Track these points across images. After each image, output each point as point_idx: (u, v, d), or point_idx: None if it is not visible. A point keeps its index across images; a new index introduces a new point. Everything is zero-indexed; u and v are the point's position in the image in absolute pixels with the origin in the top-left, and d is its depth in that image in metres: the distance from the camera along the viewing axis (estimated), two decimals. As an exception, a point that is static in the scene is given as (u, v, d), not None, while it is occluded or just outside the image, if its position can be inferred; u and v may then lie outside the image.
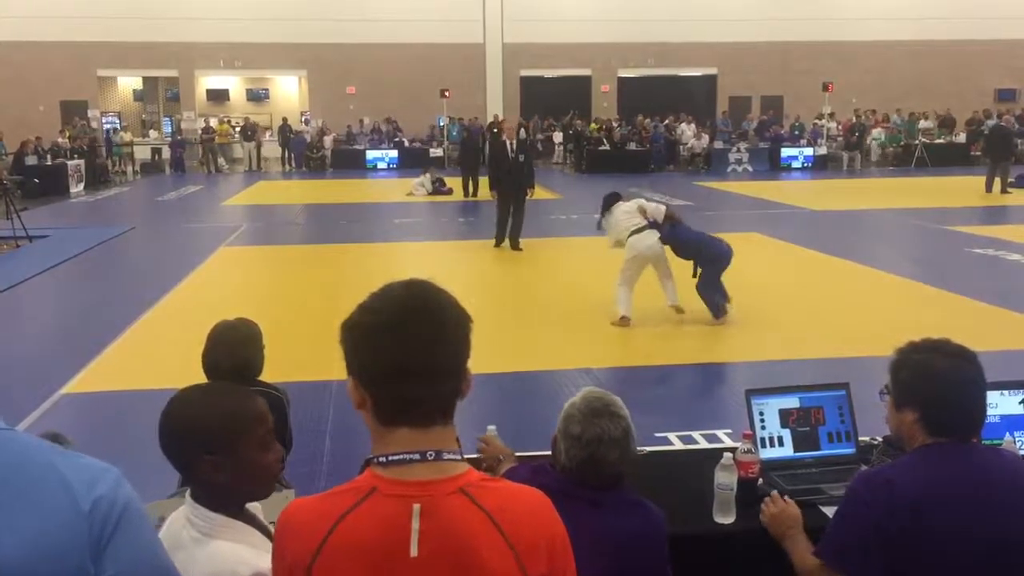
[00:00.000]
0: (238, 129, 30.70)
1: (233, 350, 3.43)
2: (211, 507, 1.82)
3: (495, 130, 29.28)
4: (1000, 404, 3.00)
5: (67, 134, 26.19)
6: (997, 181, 19.88)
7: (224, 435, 1.82)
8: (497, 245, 13.28)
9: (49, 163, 23.00)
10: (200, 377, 3.53)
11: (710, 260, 8.53)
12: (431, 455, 1.48)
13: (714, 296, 8.57)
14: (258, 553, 1.81)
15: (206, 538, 1.79)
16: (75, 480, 1.28)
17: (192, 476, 1.84)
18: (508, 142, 13.10)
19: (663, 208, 8.85)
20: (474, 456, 3.09)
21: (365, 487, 1.49)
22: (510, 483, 1.59)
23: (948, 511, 2.17)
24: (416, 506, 1.45)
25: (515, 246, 13.06)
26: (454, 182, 21.55)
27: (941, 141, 29.16)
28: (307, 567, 1.47)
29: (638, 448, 3.07)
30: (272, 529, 2.10)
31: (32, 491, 1.25)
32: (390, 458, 1.49)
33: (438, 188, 21.47)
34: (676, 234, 8.70)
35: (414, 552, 1.44)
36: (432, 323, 1.49)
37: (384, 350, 1.49)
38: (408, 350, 1.47)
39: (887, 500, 2.20)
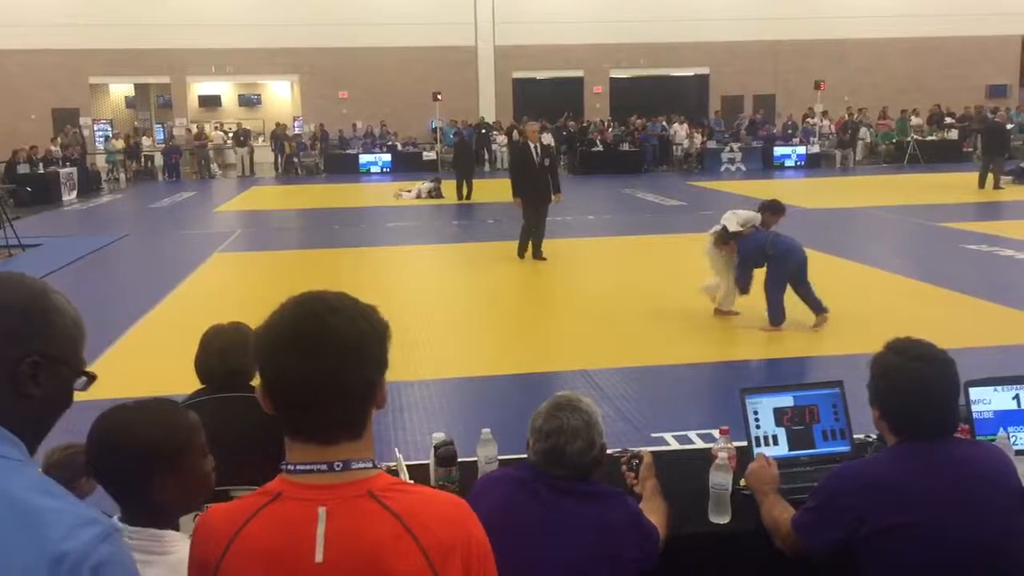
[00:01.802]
0: (231, 134, 30.68)
1: (225, 354, 3.40)
2: (155, 525, 1.76)
3: (482, 131, 29.49)
4: (994, 400, 3.00)
5: (59, 142, 26.14)
6: (990, 177, 19.92)
7: (173, 450, 1.77)
8: (521, 255, 12.40)
9: (41, 171, 22.96)
10: (195, 383, 3.52)
11: (775, 258, 8.13)
12: (338, 465, 1.45)
13: (778, 297, 8.16)
14: None
15: (160, 556, 1.72)
16: (50, 528, 1.22)
17: (138, 497, 1.77)
18: (532, 146, 12.35)
19: (747, 222, 8.48)
20: (516, 457, 3.05)
21: (272, 491, 1.47)
22: (424, 488, 1.57)
23: (914, 508, 2.23)
24: (321, 510, 1.42)
25: (538, 254, 12.33)
26: (447, 185, 21.53)
27: (933, 138, 29.23)
28: (212, 571, 1.45)
29: (634, 449, 3.09)
30: None
31: None
32: (297, 467, 1.46)
33: (426, 192, 21.42)
34: (740, 248, 8.35)
35: (319, 557, 1.41)
36: (321, 347, 1.43)
37: (276, 371, 1.46)
38: (298, 374, 1.43)
39: (857, 495, 2.31)
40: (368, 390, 1.48)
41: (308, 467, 1.46)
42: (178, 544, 1.75)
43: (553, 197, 12.37)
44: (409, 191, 21.47)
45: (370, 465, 1.48)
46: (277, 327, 1.48)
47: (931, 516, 2.22)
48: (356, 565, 1.41)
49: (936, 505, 2.23)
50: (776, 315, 8.20)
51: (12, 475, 1.27)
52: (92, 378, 1.46)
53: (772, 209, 8.61)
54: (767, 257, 8.18)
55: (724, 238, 8.50)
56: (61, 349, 1.40)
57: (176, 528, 1.81)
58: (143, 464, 1.74)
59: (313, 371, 1.43)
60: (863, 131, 29.29)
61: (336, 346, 1.44)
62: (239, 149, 29.93)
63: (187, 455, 1.79)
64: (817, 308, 8.22)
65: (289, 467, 1.48)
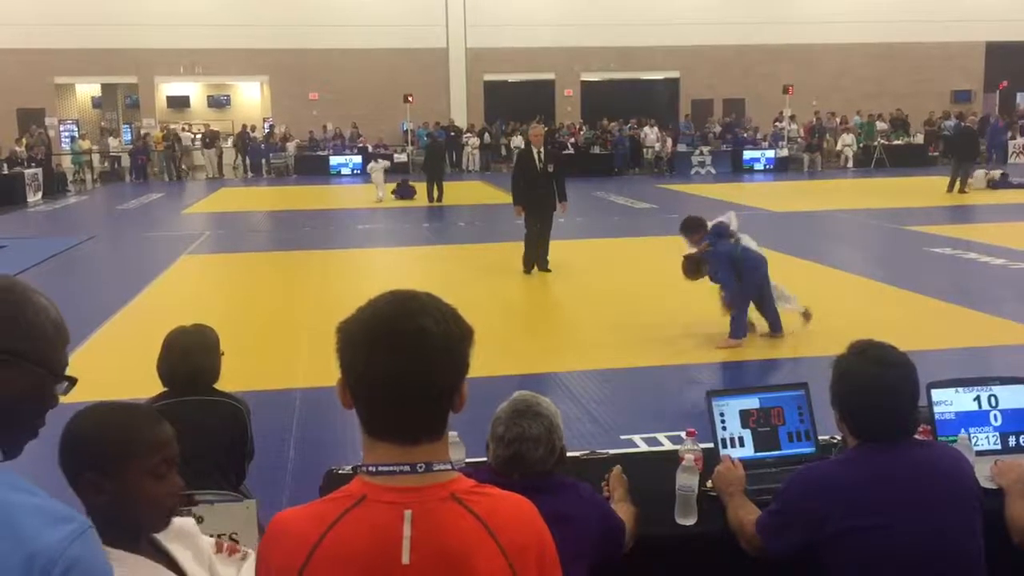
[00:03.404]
0: (198, 136, 30.42)
1: (187, 357, 3.37)
2: (106, 539, 1.66)
3: (451, 133, 29.46)
4: (955, 401, 3.05)
5: (24, 143, 25.79)
6: (958, 181, 20.18)
7: (110, 455, 1.68)
8: (527, 271, 11.67)
9: (5, 172, 22.64)
10: (160, 387, 3.49)
11: (746, 271, 7.86)
12: (421, 467, 1.46)
13: (741, 309, 7.85)
14: None
15: None
16: (23, 524, 1.22)
17: (77, 495, 1.71)
18: (535, 151, 11.57)
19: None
20: (481, 460, 3.07)
21: (355, 494, 1.47)
22: (499, 490, 1.57)
23: (874, 510, 2.28)
24: (408, 512, 1.43)
25: (543, 266, 11.66)
26: (418, 188, 21.47)
27: (900, 142, 29.60)
28: (297, 575, 1.44)
29: (602, 451, 3.11)
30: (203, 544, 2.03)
31: None
32: (380, 468, 1.47)
33: (403, 193, 21.32)
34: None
35: (405, 559, 1.42)
36: (416, 346, 1.44)
37: (366, 368, 1.45)
38: (390, 372, 1.43)
39: (817, 498, 2.35)
40: (452, 392, 1.49)
41: (391, 468, 1.46)
42: (118, 567, 1.62)
43: (558, 206, 11.69)
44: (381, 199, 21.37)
45: (449, 467, 1.50)
46: (370, 323, 1.47)
47: (890, 518, 2.26)
48: (441, 566, 1.43)
49: (895, 507, 2.27)
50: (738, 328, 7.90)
51: None
52: (72, 382, 1.45)
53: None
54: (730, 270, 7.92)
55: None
56: (32, 347, 1.38)
57: (135, 548, 1.71)
58: (74, 460, 1.70)
59: (405, 370, 1.43)
60: (848, 138, 29.44)
61: (429, 347, 1.44)
62: (207, 151, 29.67)
63: (129, 467, 1.69)
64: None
65: (370, 468, 1.48)
